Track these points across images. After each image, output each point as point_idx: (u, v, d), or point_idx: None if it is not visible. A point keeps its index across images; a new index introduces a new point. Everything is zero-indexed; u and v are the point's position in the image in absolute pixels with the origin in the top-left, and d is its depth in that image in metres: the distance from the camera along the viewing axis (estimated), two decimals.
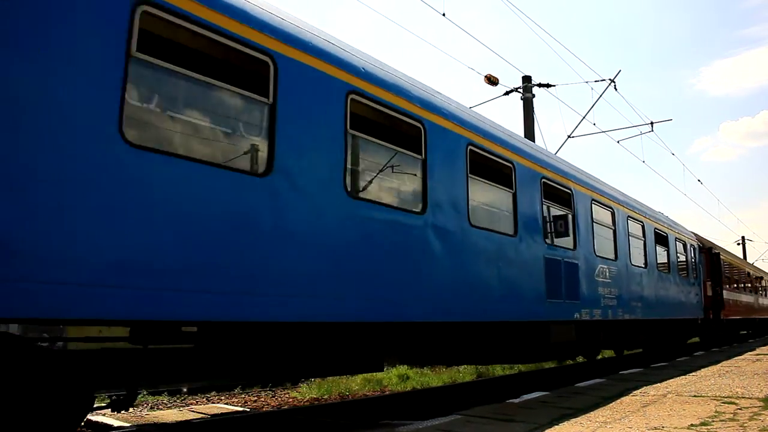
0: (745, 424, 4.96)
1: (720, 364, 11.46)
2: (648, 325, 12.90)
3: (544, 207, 8.36)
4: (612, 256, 10.49)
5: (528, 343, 8.06)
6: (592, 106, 18.40)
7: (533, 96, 15.69)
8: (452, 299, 6.24)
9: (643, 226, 12.45)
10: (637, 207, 12.49)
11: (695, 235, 17.82)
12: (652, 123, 17.74)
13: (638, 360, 13.89)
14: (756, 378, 8.71)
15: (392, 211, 5.69)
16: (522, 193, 7.79)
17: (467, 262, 6.52)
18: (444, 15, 12.46)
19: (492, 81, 14.51)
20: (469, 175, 6.71)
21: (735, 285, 22.58)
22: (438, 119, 6.33)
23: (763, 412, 5.55)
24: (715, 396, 6.78)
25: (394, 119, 5.80)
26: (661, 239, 13.74)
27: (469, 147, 6.80)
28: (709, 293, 17.97)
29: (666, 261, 13.90)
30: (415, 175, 6.08)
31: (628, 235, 11.42)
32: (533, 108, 15.60)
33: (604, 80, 15.97)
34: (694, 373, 9.68)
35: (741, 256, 41.18)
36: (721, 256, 20.12)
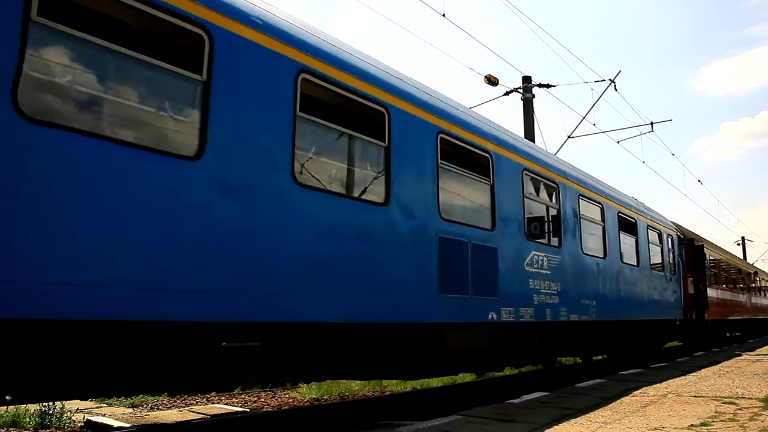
0: (746, 425, 4.96)
1: (720, 365, 11.46)
2: (609, 327, 10.79)
3: (442, 169, 6.27)
4: (554, 242, 8.55)
5: (410, 353, 6.06)
6: (592, 107, 18.42)
7: (533, 96, 15.69)
8: (261, 287, 4.29)
9: (602, 209, 10.35)
10: (593, 185, 10.34)
11: (675, 225, 16.02)
12: (652, 123, 17.74)
13: (638, 360, 13.88)
14: (756, 378, 8.71)
15: (126, 152, 3.61)
16: (402, 145, 5.71)
17: (286, 236, 4.49)
18: (444, 15, 12.46)
19: (492, 81, 14.51)
20: (300, 114, 4.67)
21: (723, 282, 20.44)
22: (233, 25, 4.41)
23: (763, 413, 5.55)
24: (715, 396, 6.78)
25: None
26: (628, 226, 11.64)
27: (303, 76, 4.76)
28: (691, 291, 15.76)
29: (634, 252, 11.82)
30: (190, 106, 4.11)
31: (580, 217, 9.40)
32: (533, 108, 15.60)
33: (604, 80, 15.98)
34: (694, 374, 9.69)
35: (741, 257, 40.91)
36: (706, 249, 17.92)
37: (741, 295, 23.69)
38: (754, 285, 27.45)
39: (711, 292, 17.71)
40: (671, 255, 14.53)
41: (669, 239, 14.42)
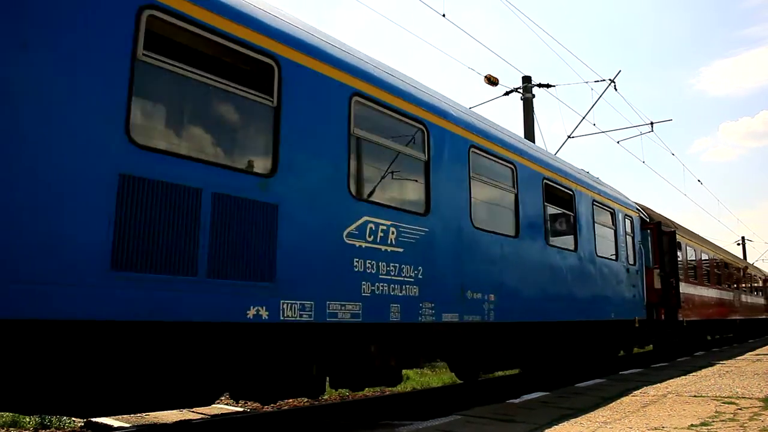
0: (746, 425, 4.97)
1: (720, 365, 11.47)
2: (525, 331, 8.24)
3: (143, 66, 3.82)
4: (414, 208, 5.98)
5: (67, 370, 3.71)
6: (592, 107, 18.46)
7: (533, 96, 15.70)
8: None
9: (514, 171, 7.70)
10: (497, 137, 7.58)
11: (640, 206, 13.48)
12: (652, 123, 17.74)
13: (638, 361, 13.88)
14: (756, 378, 8.72)
15: None
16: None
17: None
18: (444, 16, 12.46)
19: (492, 81, 14.51)
20: None
21: (704, 277, 17.79)
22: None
23: (763, 413, 5.55)
24: (716, 396, 6.78)
25: None
26: (561, 199, 9.07)
27: None
28: (658, 285, 12.84)
29: (572, 233, 9.30)
30: None
31: (471, 177, 6.75)
32: (533, 108, 15.61)
33: (604, 80, 15.99)
34: (694, 374, 9.69)
35: (741, 256, 40.75)
36: (680, 237, 15.15)
37: (728, 293, 21.03)
38: (744, 281, 24.90)
39: (687, 289, 15.27)
40: (628, 241, 11.70)
41: (627, 221, 11.72)
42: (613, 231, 11.01)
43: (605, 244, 10.59)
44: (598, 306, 9.95)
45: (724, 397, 6.72)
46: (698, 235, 19.10)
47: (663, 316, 13.11)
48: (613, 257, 10.82)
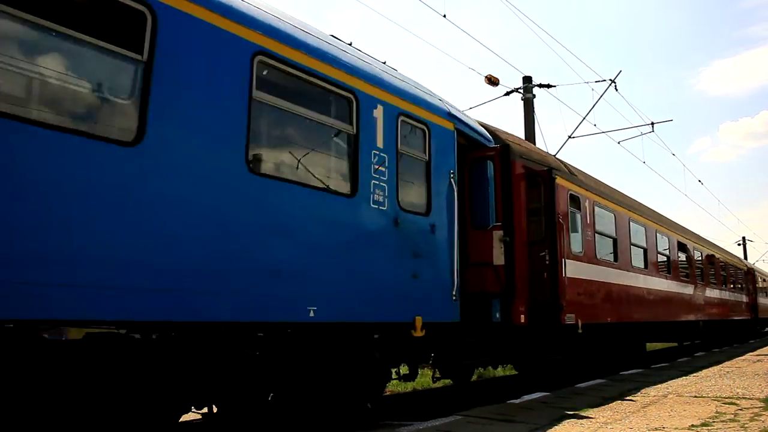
0: (746, 425, 4.97)
1: (721, 365, 11.46)
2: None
3: None
4: None
5: None
6: (592, 107, 18.49)
7: (534, 96, 15.69)
8: None
9: None
10: None
11: (480, 123, 7.84)
12: (652, 123, 17.69)
13: (638, 361, 13.84)
14: (757, 379, 8.72)
15: None
16: None
17: None
18: (444, 16, 12.48)
19: (492, 81, 14.51)
20: None
21: (629, 259, 11.16)
22: None
23: (764, 413, 5.55)
24: (716, 396, 6.78)
25: None
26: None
27: None
28: (499, 261, 7.05)
29: (137, 102, 3.66)
30: None
31: None
32: (534, 108, 15.60)
33: (604, 80, 15.96)
34: (694, 374, 9.69)
35: (742, 257, 40.49)
36: (574, 189, 9.00)
37: (684, 286, 14.85)
38: (716, 271, 18.59)
39: (593, 273, 9.33)
40: (413, 168, 6.20)
41: (409, 131, 6.19)
42: (351, 138, 5.43)
43: (314, 161, 5.22)
44: (255, 290, 4.50)
45: (724, 397, 6.72)
46: (624, 194, 12.84)
47: (524, 317, 7.40)
48: (345, 191, 5.30)
